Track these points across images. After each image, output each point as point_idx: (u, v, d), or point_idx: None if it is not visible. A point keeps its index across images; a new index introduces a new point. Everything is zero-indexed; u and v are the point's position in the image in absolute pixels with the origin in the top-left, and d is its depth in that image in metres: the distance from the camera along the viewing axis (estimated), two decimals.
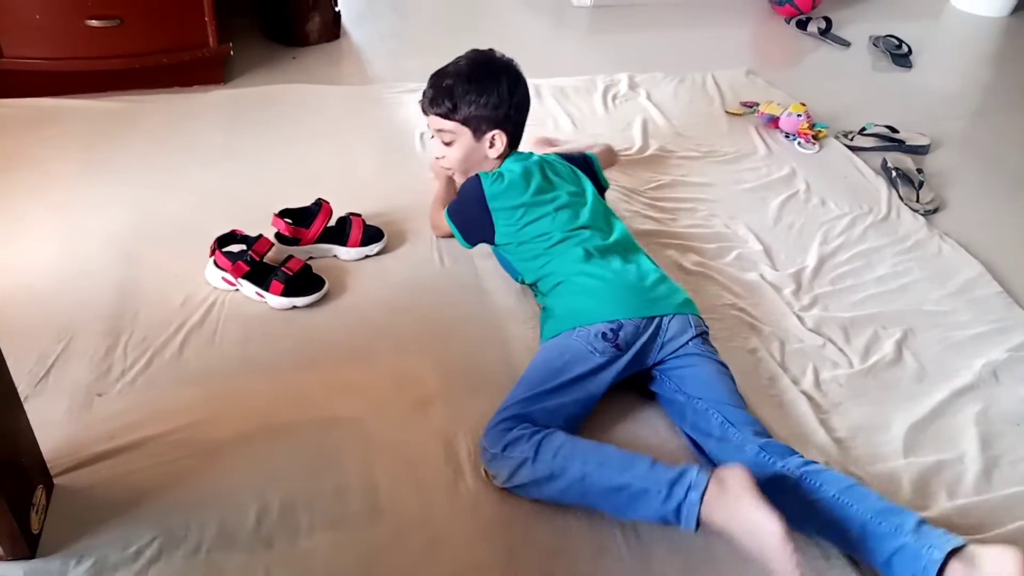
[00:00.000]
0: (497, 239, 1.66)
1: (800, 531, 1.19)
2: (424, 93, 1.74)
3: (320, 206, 1.80)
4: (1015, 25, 3.60)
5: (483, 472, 1.32)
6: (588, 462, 1.23)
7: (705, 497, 1.14)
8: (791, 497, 1.19)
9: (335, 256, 1.81)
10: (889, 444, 1.41)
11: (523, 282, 1.70)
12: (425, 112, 1.75)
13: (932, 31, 3.52)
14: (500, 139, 1.72)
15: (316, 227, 1.78)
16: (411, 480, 1.31)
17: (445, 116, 1.71)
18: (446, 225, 1.76)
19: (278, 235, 1.78)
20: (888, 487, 1.32)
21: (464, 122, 1.70)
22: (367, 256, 1.81)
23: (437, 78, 1.73)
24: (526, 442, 1.27)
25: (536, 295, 1.66)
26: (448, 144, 1.75)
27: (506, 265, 1.74)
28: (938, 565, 1.09)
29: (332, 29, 3.03)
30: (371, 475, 1.31)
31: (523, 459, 1.26)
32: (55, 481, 1.27)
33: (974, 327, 1.70)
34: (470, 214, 1.69)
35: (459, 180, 1.80)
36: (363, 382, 1.50)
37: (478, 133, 1.71)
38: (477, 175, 1.67)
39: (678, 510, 1.16)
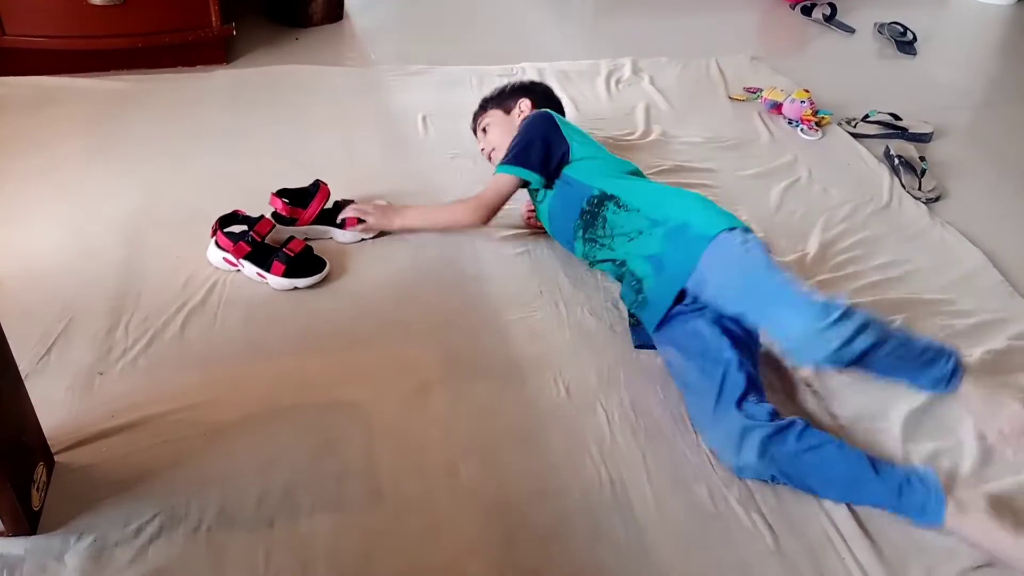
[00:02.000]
0: (573, 154, 1.72)
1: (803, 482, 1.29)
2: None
3: (318, 187, 1.80)
4: (1022, 14, 3.58)
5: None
6: (813, 482, 1.28)
7: (945, 514, 1.21)
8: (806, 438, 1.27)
9: (331, 238, 1.81)
10: (887, 431, 1.41)
11: (585, 218, 1.63)
12: (476, 132, 2.03)
13: (938, 18, 3.50)
14: (524, 103, 1.95)
15: (313, 208, 1.78)
16: (411, 464, 1.31)
17: (482, 111, 2.01)
18: (485, 204, 1.75)
19: (275, 214, 1.78)
20: None
21: (494, 108, 1.99)
22: (363, 240, 1.81)
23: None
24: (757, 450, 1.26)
25: (611, 212, 1.59)
26: (487, 132, 1.96)
27: (568, 199, 1.67)
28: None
29: (335, 10, 3.02)
30: (372, 459, 1.32)
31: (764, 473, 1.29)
32: (56, 459, 1.27)
33: (975, 316, 1.69)
34: (541, 136, 1.74)
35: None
36: (364, 366, 1.50)
37: (506, 109, 1.97)
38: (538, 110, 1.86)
39: (920, 515, 1.23)
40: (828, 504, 1.27)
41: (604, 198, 1.61)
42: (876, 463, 1.26)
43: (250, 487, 1.25)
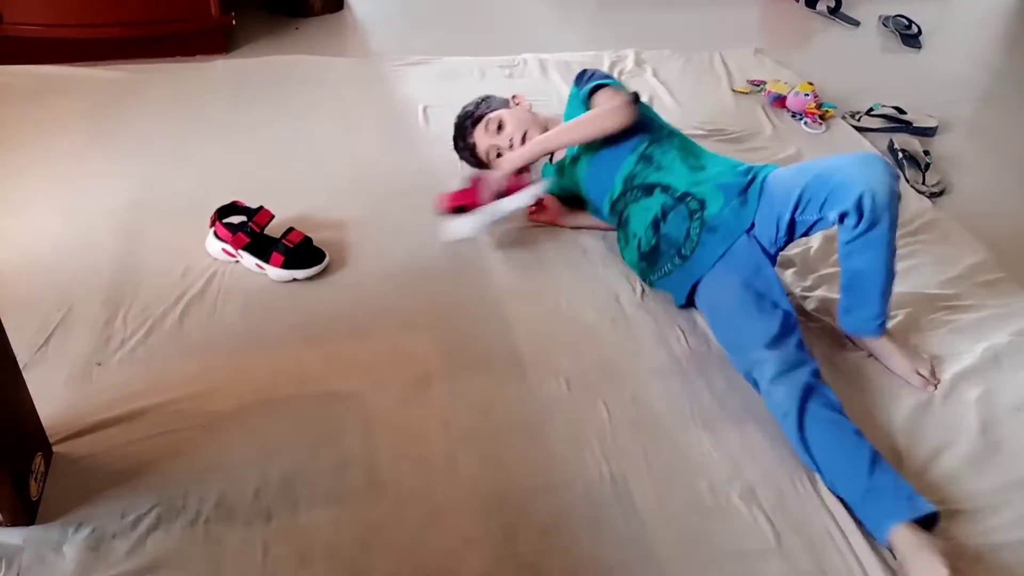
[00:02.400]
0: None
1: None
2: (459, 147, 1.95)
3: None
4: None
5: None
6: (819, 454, 1.28)
7: (896, 534, 1.17)
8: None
9: (501, 217, 1.73)
10: (889, 427, 1.41)
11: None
12: (477, 147, 1.91)
13: (943, 12, 3.48)
14: (520, 99, 1.97)
15: (479, 192, 1.72)
16: (411, 457, 1.31)
17: (476, 122, 1.90)
18: (626, 100, 1.70)
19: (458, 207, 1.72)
20: None
21: (491, 110, 1.91)
22: (531, 205, 1.78)
23: (456, 139, 1.96)
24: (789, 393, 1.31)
25: (676, 147, 1.68)
26: (502, 126, 1.87)
27: (642, 119, 1.71)
28: (910, 517, 1.18)
29: (336, 0, 3.00)
30: (371, 451, 1.31)
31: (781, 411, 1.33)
32: (54, 449, 1.27)
33: (977, 311, 1.68)
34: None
35: (535, 132, 1.84)
36: (363, 358, 1.49)
37: (504, 106, 1.93)
38: None
39: (869, 522, 1.22)
40: (829, 499, 1.27)
41: (673, 133, 1.73)
42: (876, 468, 1.23)
43: (248, 479, 1.25)
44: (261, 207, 1.71)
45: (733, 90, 2.57)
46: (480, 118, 1.91)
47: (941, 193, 2.10)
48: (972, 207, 2.06)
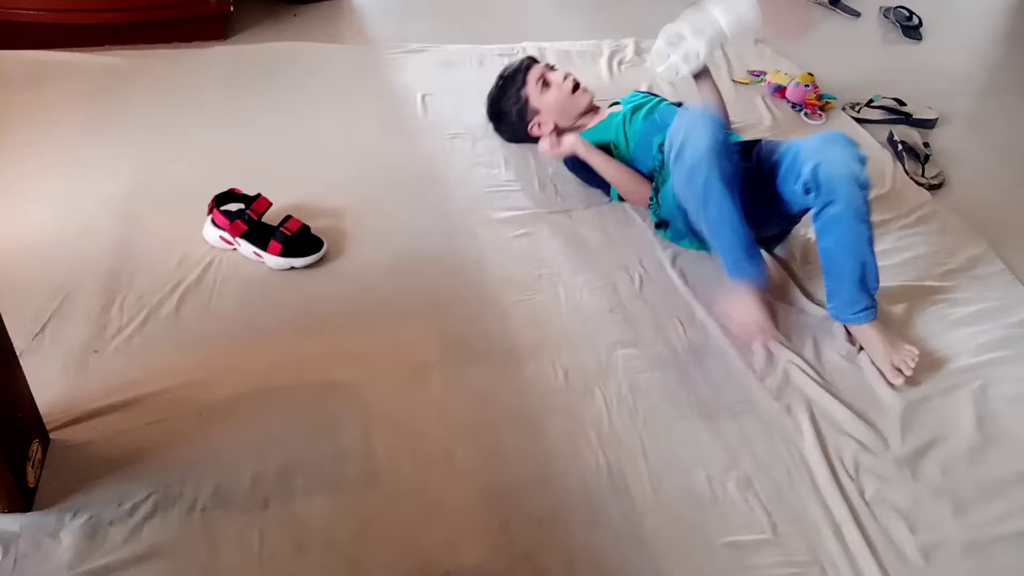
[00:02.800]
0: None
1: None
2: (514, 73, 2.03)
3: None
4: None
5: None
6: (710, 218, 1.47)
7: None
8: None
9: None
10: (886, 419, 1.41)
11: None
12: (524, 67, 2.02)
13: (944, 3, 3.46)
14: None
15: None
16: (408, 448, 1.31)
17: (536, 61, 2.04)
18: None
19: None
20: (884, 462, 1.33)
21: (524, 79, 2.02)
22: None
23: (512, 73, 2.04)
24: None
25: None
26: (550, 74, 2.01)
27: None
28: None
29: None
30: (368, 442, 1.31)
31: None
32: (51, 436, 1.27)
33: (975, 304, 1.68)
34: None
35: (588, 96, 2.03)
36: (361, 348, 1.49)
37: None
38: None
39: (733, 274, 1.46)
40: (825, 490, 1.27)
41: None
42: (750, 251, 1.46)
43: (245, 467, 1.25)
44: (259, 194, 1.70)
45: (733, 80, 2.55)
46: (538, 61, 2.06)
47: (940, 185, 2.10)
48: (971, 199, 2.05)
